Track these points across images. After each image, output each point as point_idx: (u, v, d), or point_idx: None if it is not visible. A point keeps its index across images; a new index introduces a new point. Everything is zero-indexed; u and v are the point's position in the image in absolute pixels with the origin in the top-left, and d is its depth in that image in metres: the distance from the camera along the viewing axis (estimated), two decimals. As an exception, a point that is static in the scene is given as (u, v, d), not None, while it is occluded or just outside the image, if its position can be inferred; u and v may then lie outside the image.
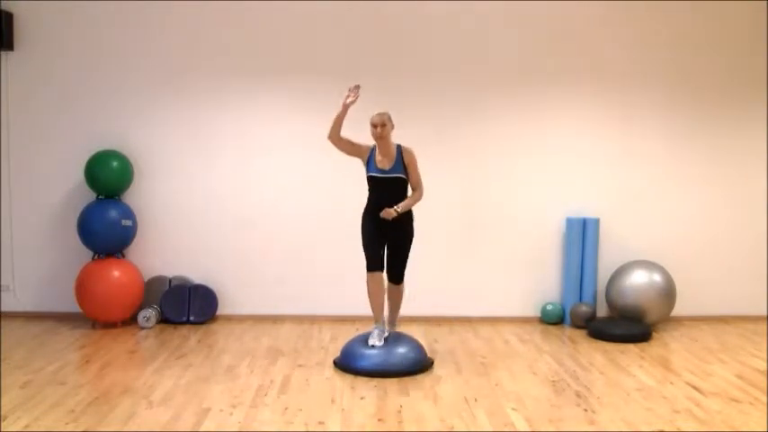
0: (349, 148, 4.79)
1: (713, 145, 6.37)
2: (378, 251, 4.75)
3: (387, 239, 4.81)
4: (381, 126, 4.68)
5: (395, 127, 4.80)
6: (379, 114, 4.72)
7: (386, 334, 4.81)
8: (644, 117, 6.30)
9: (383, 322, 4.85)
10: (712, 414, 3.90)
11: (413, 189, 4.82)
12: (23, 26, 6.01)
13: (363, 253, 4.76)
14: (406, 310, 5.92)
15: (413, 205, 4.78)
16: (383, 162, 4.74)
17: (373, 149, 4.79)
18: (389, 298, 4.99)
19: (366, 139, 4.78)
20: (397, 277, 4.91)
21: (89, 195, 5.99)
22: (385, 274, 4.85)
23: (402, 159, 4.74)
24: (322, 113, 6.08)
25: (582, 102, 6.27)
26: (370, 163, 4.77)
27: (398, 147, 4.78)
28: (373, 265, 4.73)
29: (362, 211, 4.85)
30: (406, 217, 4.80)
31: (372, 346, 4.66)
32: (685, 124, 6.34)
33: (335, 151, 6.01)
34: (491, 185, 6.25)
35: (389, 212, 4.64)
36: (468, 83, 6.18)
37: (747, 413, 3.93)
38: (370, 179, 4.79)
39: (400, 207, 4.68)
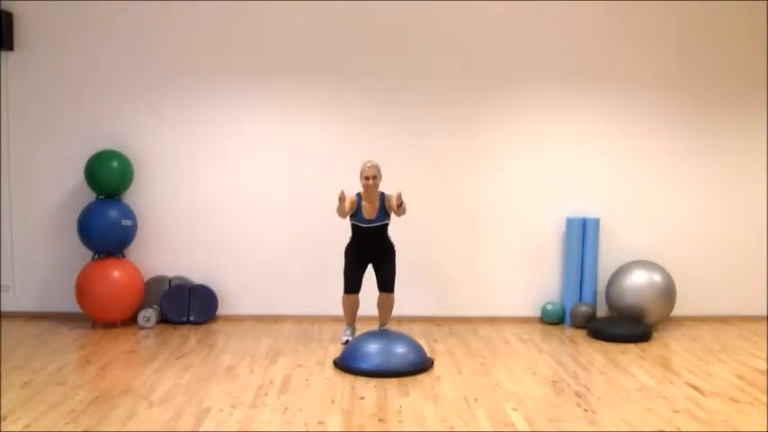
0: (349, 211, 5.11)
1: (713, 145, 6.37)
2: (356, 278, 5.27)
3: (371, 262, 5.28)
4: (373, 178, 5.09)
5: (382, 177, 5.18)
6: (372, 167, 5.11)
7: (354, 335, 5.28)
8: (644, 117, 6.30)
9: (353, 324, 5.42)
10: (712, 414, 3.90)
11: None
12: (23, 26, 6.00)
13: (343, 278, 5.26)
14: (406, 310, 5.98)
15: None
16: (369, 210, 5.13)
17: (359, 198, 5.15)
18: (381, 304, 5.33)
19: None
20: (387, 289, 5.29)
21: (89, 195, 5.99)
22: (360, 294, 5.32)
23: (384, 205, 5.14)
24: (321, 113, 6.16)
25: (582, 102, 6.26)
26: (357, 212, 5.12)
27: (381, 194, 5.16)
28: (350, 290, 5.29)
29: (346, 246, 5.28)
30: (386, 242, 5.25)
31: (346, 341, 5.21)
32: (685, 124, 6.33)
33: (335, 152, 6.09)
34: (491, 185, 6.25)
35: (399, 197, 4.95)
36: (468, 83, 6.17)
37: (747, 413, 3.93)
38: (356, 227, 5.18)
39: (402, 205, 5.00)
